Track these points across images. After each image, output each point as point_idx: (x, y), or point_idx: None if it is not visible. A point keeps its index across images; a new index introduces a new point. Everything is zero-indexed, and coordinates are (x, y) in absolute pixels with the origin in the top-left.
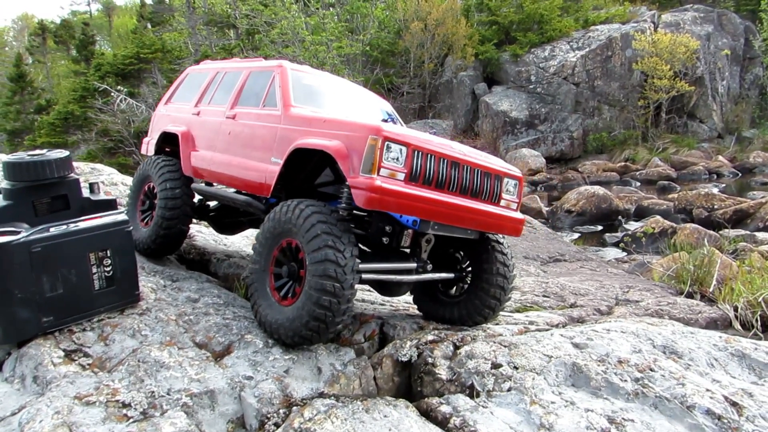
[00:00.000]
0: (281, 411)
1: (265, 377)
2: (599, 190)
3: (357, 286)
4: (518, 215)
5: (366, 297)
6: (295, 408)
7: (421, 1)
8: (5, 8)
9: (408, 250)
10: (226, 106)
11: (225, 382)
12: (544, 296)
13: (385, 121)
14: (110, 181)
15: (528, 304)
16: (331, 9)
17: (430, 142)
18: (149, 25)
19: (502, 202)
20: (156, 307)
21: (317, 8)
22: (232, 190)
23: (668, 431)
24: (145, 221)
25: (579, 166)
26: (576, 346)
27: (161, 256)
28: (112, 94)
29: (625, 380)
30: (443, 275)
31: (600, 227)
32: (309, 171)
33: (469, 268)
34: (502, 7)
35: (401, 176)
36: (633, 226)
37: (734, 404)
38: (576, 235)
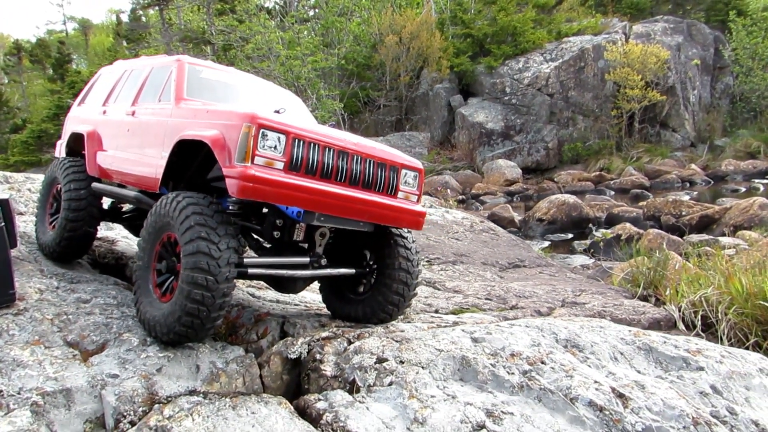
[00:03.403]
0: (141, 409)
1: (132, 375)
2: (570, 198)
3: (261, 283)
4: (418, 208)
5: (281, 298)
6: (156, 406)
7: (395, 15)
8: None
9: (306, 246)
10: (128, 104)
11: (85, 381)
12: (486, 299)
13: (278, 112)
14: (37, 189)
15: (466, 307)
16: (306, 23)
17: (314, 131)
18: (125, 43)
19: (400, 194)
20: (35, 307)
21: (292, 23)
22: (134, 189)
23: (548, 424)
24: (53, 224)
25: (555, 176)
26: (474, 340)
27: (69, 260)
28: None
29: (513, 373)
30: (341, 271)
31: (570, 235)
32: (199, 165)
33: (375, 265)
34: (476, 20)
35: (280, 165)
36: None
37: (621, 396)
38: (546, 243)
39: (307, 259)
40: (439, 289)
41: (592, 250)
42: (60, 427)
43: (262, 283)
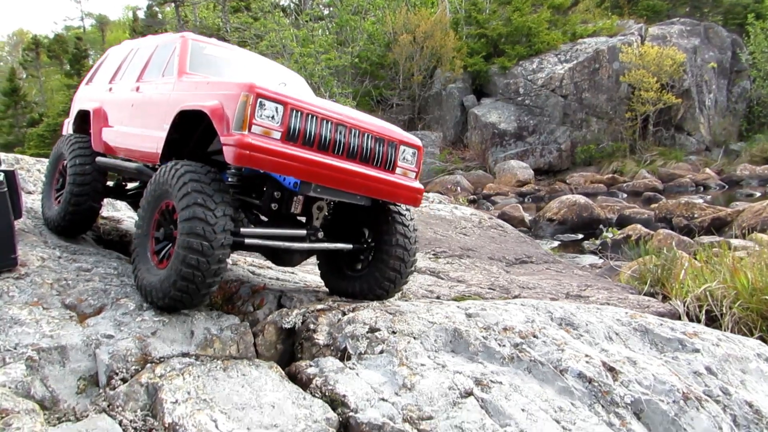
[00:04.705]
0: (133, 368)
1: (126, 336)
2: (581, 199)
3: (262, 263)
4: (415, 184)
5: (281, 276)
6: (148, 365)
7: (409, 14)
8: (0, 24)
9: (304, 219)
10: (133, 80)
11: (80, 339)
12: (489, 288)
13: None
14: None
15: (468, 295)
16: (320, 21)
17: (312, 103)
18: None
19: (398, 170)
20: (36, 272)
21: (307, 21)
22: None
23: (536, 393)
24: (58, 199)
25: (567, 177)
26: (468, 315)
27: (74, 235)
28: None
29: (504, 345)
30: (338, 245)
31: (581, 236)
32: (200, 137)
33: (373, 242)
34: (490, 20)
35: (277, 135)
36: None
37: (611, 369)
38: (556, 243)
39: (303, 232)
40: (442, 279)
41: (601, 249)
42: (54, 382)
43: (263, 262)
